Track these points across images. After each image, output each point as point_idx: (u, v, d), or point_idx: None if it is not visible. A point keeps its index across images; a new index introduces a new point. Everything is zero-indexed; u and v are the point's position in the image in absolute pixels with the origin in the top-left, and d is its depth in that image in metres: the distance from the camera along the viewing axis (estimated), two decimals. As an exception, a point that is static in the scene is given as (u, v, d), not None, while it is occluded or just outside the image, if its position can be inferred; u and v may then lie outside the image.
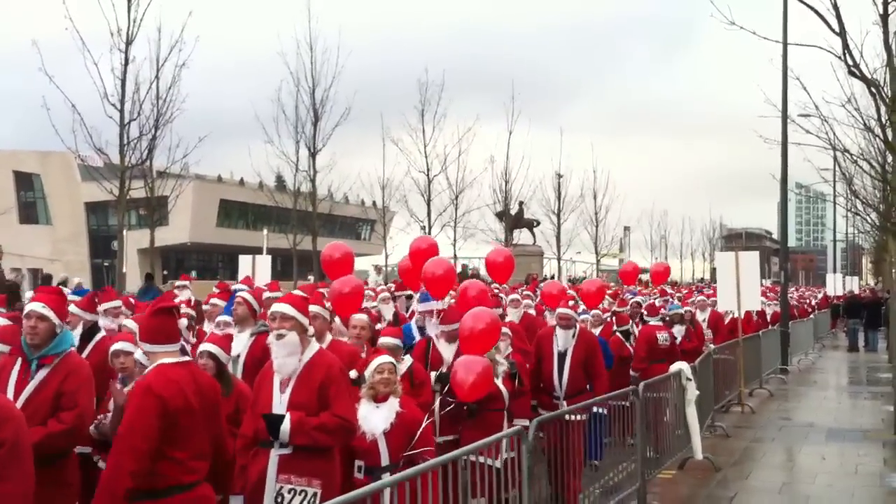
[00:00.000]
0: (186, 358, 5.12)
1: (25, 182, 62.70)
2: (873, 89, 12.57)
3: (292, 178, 35.15)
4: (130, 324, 7.54)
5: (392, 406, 5.97)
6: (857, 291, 39.33)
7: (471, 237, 41.80)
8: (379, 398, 6.01)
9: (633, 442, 9.46)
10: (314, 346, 5.55)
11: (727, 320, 16.58)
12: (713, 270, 54.30)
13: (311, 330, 5.66)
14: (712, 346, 13.99)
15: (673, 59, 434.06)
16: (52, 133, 22.56)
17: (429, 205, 38.33)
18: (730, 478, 10.30)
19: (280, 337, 5.42)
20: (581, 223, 49.33)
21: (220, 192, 64.48)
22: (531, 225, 45.85)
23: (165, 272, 50.49)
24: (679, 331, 12.62)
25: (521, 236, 45.45)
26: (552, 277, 44.42)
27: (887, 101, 12.52)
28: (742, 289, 15.15)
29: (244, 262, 18.13)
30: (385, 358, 6.20)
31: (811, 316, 30.68)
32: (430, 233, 38.39)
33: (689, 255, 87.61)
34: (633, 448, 9.34)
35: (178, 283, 14.74)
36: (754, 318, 19.02)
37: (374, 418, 5.92)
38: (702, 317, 15.69)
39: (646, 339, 11.77)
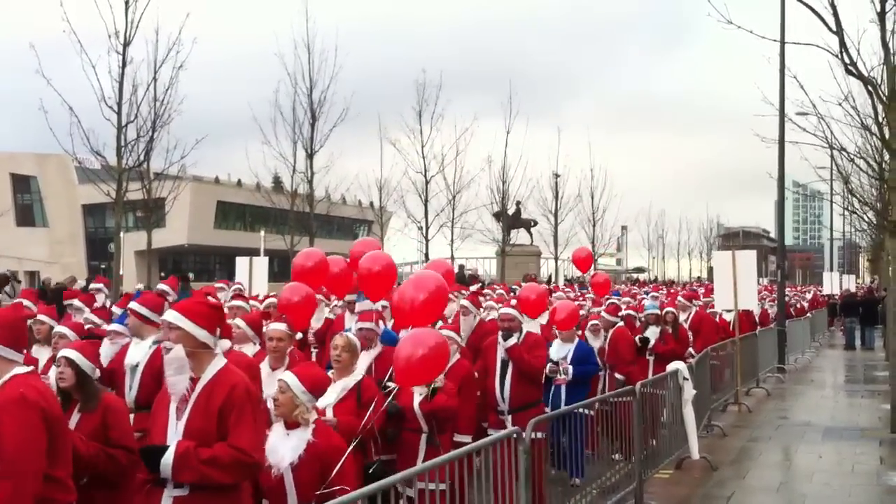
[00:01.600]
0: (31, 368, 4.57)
1: (22, 184, 62.70)
2: (870, 87, 12.57)
3: (289, 179, 35.18)
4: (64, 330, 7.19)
5: (302, 435, 5.04)
6: (853, 290, 39.37)
7: (468, 238, 41.78)
8: (289, 424, 5.11)
9: (617, 458, 9.33)
10: (218, 363, 4.67)
11: (717, 319, 16.47)
12: (710, 269, 54.34)
13: (221, 344, 4.82)
14: (692, 350, 13.27)
15: (670, 55, 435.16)
16: (49, 135, 22.46)
17: (426, 205, 38.31)
18: (727, 477, 10.30)
19: (166, 351, 4.67)
20: (578, 223, 49.34)
21: (217, 193, 64.50)
22: (528, 225, 45.85)
23: (163, 274, 50.45)
24: (654, 332, 12.09)
25: (519, 236, 45.49)
26: (550, 278, 44.50)
27: (884, 99, 12.53)
28: (739, 288, 15.16)
29: (241, 263, 18.12)
30: (285, 374, 5.28)
31: (808, 314, 30.70)
32: (427, 233, 38.37)
33: (686, 254, 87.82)
34: (619, 461, 9.26)
35: (92, 285, 14.06)
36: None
37: (282, 449, 5.00)
38: (683, 317, 14.52)
39: (626, 341, 11.37)
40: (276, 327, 6.99)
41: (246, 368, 5.76)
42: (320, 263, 9.04)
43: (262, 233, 33.43)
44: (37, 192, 62.60)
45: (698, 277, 75.10)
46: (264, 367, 6.81)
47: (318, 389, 5.21)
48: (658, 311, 12.58)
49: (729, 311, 16.51)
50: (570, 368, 9.62)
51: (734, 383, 15.42)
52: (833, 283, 43.19)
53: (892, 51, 12.77)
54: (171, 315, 4.67)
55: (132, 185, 24.01)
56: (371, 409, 6.29)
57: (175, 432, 4.54)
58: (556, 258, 46.79)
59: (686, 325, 14.33)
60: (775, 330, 21.22)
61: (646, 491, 9.05)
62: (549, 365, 9.32)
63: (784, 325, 21.89)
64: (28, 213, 62.93)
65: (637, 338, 11.76)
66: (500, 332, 8.56)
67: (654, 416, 9.97)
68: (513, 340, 8.36)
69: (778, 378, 19.84)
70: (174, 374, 4.55)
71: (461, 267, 42.82)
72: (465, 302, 10.29)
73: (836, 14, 11.94)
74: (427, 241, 38.39)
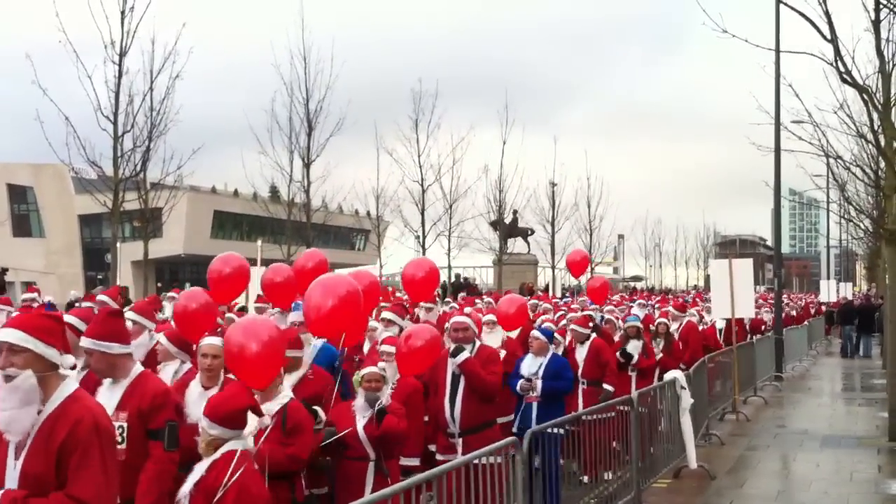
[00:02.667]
0: None
1: (19, 195, 62.59)
2: (865, 96, 12.59)
3: (286, 188, 35.19)
4: None
5: (200, 467, 4.62)
6: (850, 298, 39.38)
7: (465, 247, 41.81)
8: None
9: (609, 477, 9.00)
10: (66, 388, 3.87)
11: (701, 328, 16.12)
12: (707, 277, 54.38)
13: (65, 360, 3.94)
14: (682, 366, 12.53)
15: (666, 60, 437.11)
16: (45, 145, 22.54)
17: (423, 214, 38.37)
18: (725, 486, 10.28)
19: (7, 379, 3.75)
20: (575, 231, 49.43)
21: (214, 203, 64.42)
22: (525, 234, 45.89)
23: (159, 284, 50.39)
24: (636, 346, 11.38)
25: (516, 245, 45.52)
26: (547, 286, 44.50)
27: (879, 107, 12.55)
28: (736, 296, 15.16)
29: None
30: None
31: (805, 322, 30.71)
32: (424, 243, 38.34)
33: (683, 262, 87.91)
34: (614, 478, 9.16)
35: (25, 295, 13.56)
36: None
37: (194, 474, 4.66)
38: (673, 327, 14.16)
39: (610, 351, 10.86)
40: (211, 343, 6.20)
41: (151, 397, 5.10)
42: (239, 269, 8.40)
43: (259, 242, 33.23)
44: (33, 202, 62.48)
45: (695, 286, 75.15)
46: (195, 386, 6.18)
47: (224, 417, 4.55)
48: (639, 324, 11.78)
49: (724, 319, 16.45)
50: (540, 383, 8.70)
51: (732, 392, 15.39)
52: (830, 291, 43.23)
53: (886, 59, 12.81)
54: (11, 335, 3.80)
55: (129, 195, 24.05)
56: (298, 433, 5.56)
57: (12, 474, 3.80)
58: (554, 267, 46.82)
59: (676, 336, 13.92)
60: (772, 338, 21.22)
61: (644, 500, 9.04)
62: (520, 381, 8.73)
63: (781, 333, 21.87)
64: (24, 223, 62.79)
65: (618, 353, 11.20)
66: (451, 345, 7.80)
67: (651, 426, 9.94)
68: (465, 354, 7.60)
69: (775, 386, 19.81)
70: (18, 407, 3.72)
71: (457, 276, 42.80)
72: (388, 314, 9.07)
73: (830, 23, 11.96)
74: (424, 250, 38.40)
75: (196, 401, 5.86)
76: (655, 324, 12.65)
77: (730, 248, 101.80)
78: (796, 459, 11.98)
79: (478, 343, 7.89)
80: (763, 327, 23.71)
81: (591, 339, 10.73)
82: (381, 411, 6.32)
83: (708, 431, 12.90)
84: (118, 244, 25.09)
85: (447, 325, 8.66)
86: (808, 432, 13.95)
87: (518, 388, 8.75)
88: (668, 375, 10.46)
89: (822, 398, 18.84)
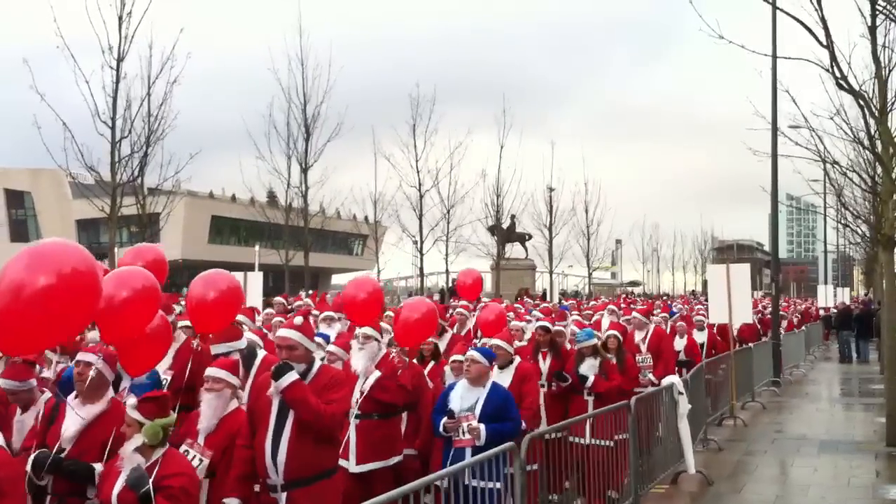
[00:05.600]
0: None
1: (16, 200, 62.65)
2: (861, 101, 12.62)
3: (284, 193, 35.24)
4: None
5: None
6: (848, 303, 39.42)
7: (463, 252, 41.85)
8: None
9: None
10: None
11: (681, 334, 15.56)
12: (705, 283, 54.41)
13: None
14: (650, 375, 12.06)
15: (661, 65, 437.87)
16: (42, 150, 22.52)
17: (420, 220, 38.40)
18: (723, 491, 10.28)
19: None
20: (573, 236, 49.52)
21: (211, 208, 64.48)
22: (523, 239, 45.99)
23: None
24: (591, 366, 9.40)
25: (514, 250, 45.58)
26: (545, 292, 44.54)
27: (876, 113, 12.58)
28: (733, 301, 15.18)
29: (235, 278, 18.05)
30: None
31: (803, 328, 30.74)
32: (421, 248, 38.32)
33: (680, 267, 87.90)
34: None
35: None
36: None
37: None
38: (639, 337, 12.87)
39: (537, 381, 8.79)
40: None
41: None
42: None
43: (257, 247, 33.34)
44: (31, 207, 62.51)
45: (692, 291, 75.19)
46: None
47: None
48: (595, 341, 9.69)
49: (701, 329, 16.48)
50: (483, 430, 6.78)
51: (729, 397, 15.40)
52: (827, 296, 43.27)
53: (882, 64, 12.84)
54: None
55: (126, 200, 24.04)
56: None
57: None
58: (551, 272, 46.88)
59: (644, 347, 12.72)
60: (770, 343, 21.23)
61: (642, 506, 9.04)
62: (443, 419, 6.94)
63: (779, 338, 21.88)
64: (22, 228, 62.79)
65: (555, 374, 9.46)
66: (272, 367, 5.73)
67: (648, 431, 9.94)
68: (291, 376, 5.53)
69: (773, 391, 19.82)
70: None
71: (454, 281, 42.82)
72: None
73: (826, 28, 11.99)
74: (422, 255, 38.44)
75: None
76: (605, 337, 10.51)
77: (727, 252, 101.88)
78: (794, 465, 11.99)
79: (318, 364, 5.85)
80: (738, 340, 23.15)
81: (517, 363, 8.40)
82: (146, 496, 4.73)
83: (706, 437, 12.91)
84: (116, 249, 25.02)
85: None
86: (805, 437, 13.96)
87: (441, 427, 6.93)
88: (666, 381, 10.45)
89: (820, 403, 18.85)
